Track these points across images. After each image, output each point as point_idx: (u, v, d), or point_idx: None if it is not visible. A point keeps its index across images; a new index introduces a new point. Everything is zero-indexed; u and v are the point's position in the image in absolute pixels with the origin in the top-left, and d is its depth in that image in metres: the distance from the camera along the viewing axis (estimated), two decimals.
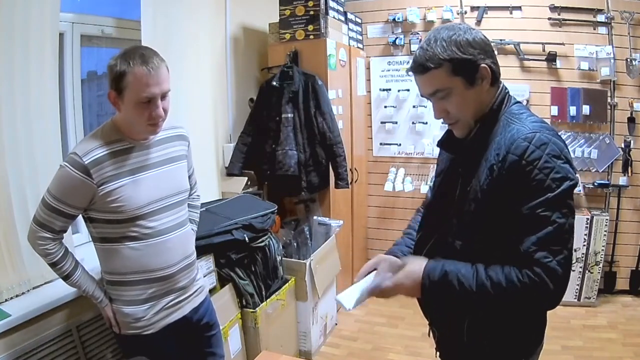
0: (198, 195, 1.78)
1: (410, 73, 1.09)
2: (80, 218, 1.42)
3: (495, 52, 1.10)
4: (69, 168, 1.30)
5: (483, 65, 1.01)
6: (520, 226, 0.93)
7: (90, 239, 1.46)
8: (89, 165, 1.29)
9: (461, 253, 1.03)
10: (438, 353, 1.29)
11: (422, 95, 1.11)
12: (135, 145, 1.40)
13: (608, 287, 3.34)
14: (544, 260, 0.90)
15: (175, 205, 1.49)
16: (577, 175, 0.97)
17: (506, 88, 1.10)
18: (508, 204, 0.95)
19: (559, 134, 3.65)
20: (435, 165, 1.36)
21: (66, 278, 1.41)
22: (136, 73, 1.26)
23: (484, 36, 1.05)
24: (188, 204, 1.62)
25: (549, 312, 1.14)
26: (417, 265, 1.03)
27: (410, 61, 1.09)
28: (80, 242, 2.01)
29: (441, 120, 1.10)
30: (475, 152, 1.05)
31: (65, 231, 1.40)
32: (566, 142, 3.30)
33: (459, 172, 1.12)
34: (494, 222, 0.98)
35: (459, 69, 1.00)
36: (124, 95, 1.30)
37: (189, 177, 1.62)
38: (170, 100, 1.37)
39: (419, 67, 1.03)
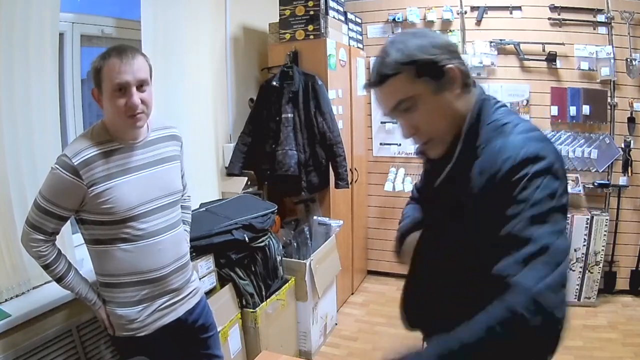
0: (189, 196, 1.78)
1: (370, 91, 0.97)
2: (73, 219, 1.42)
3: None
4: (59, 170, 1.30)
5: (449, 66, 0.88)
6: (499, 248, 0.78)
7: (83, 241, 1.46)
8: (78, 166, 1.29)
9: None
10: None
11: (385, 115, 0.95)
12: (125, 145, 1.39)
13: (608, 287, 3.34)
14: (526, 283, 0.72)
15: (168, 207, 1.48)
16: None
17: (484, 92, 0.95)
18: (493, 227, 0.80)
19: (559, 133, 3.55)
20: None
21: (59, 280, 1.41)
22: (109, 63, 1.28)
23: (448, 38, 0.96)
24: (180, 205, 1.60)
25: None
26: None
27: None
28: (80, 242, 2.00)
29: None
30: (457, 179, 0.90)
31: (57, 233, 1.40)
32: (566, 142, 3.30)
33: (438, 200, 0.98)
34: (480, 253, 0.83)
35: (422, 73, 0.87)
36: (102, 89, 1.31)
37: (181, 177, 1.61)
38: (151, 93, 1.35)
39: (376, 78, 0.90)
